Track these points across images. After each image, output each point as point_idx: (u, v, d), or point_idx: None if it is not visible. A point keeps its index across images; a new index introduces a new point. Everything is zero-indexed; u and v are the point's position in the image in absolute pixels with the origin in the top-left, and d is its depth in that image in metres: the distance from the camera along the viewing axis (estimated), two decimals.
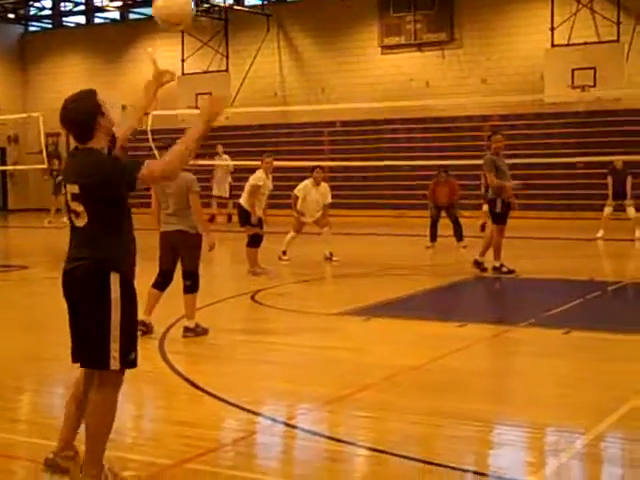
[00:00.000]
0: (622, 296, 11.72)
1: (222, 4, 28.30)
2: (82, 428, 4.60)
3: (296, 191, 14.59)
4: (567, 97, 23.20)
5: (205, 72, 28.34)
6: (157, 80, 5.05)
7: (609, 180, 18.47)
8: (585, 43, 23.15)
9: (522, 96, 23.27)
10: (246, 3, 29.14)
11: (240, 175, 22.59)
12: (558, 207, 23.15)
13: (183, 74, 28.57)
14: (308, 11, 27.92)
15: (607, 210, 18.32)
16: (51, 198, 25.01)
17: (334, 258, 14.51)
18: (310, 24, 27.76)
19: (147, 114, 4.73)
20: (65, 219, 15.17)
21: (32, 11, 32.61)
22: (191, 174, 8.51)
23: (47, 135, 23.90)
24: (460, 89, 24.79)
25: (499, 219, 12.70)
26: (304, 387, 6.71)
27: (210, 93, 27.11)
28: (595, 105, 23.15)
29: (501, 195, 12.56)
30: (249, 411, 5.99)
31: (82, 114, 4.43)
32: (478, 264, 12.85)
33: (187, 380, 6.86)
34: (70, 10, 32.84)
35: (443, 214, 16.48)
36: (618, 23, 22.99)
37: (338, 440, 5.38)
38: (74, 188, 4.43)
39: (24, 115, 26.61)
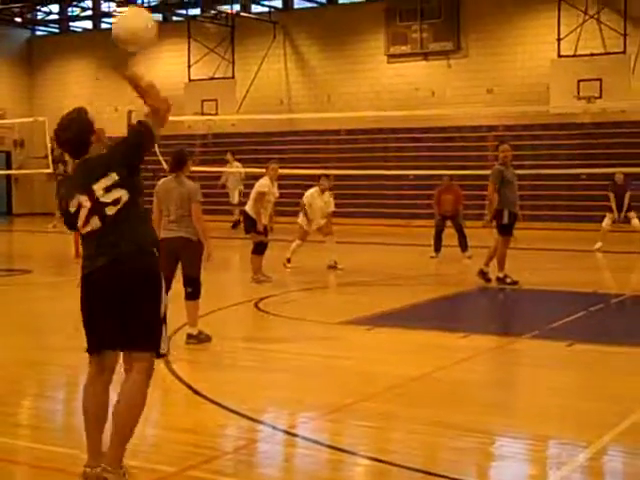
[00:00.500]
0: (625, 309, 11.70)
1: (229, 11, 28.35)
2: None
3: (304, 198, 14.69)
4: (573, 108, 23.19)
5: (211, 79, 28.38)
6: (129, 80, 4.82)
7: (610, 196, 18.39)
8: (591, 54, 23.16)
9: (528, 106, 23.26)
10: (253, 10, 29.17)
11: (246, 182, 22.64)
12: (563, 218, 23.10)
13: (190, 80, 28.64)
14: (314, 19, 27.97)
15: (606, 222, 18.25)
16: (56, 202, 24.97)
17: (339, 266, 14.51)
18: (316, 32, 27.80)
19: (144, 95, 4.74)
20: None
21: (39, 16, 32.65)
22: (195, 184, 8.52)
23: (53, 139, 23.89)
24: (466, 99, 24.79)
25: (505, 230, 12.68)
26: (306, 396, 6.69)
27: (216, 100, 27.25)
28: (601, 116, 23.16)
29: (508, 206, 12.55)
30: (251, 419, 5.98)
31: (78, 134, 4.65)
32: (483, 274, 12.82)
33: (189, 387, 6.85)
34: (77, 15, 32.91)
35: (448, 224, 16.49)
36: (625, 34, 23.00)
37: (340, 449, 5.37)
38: (109, 179, 4.54)
39: (30, 119, 26.67)
